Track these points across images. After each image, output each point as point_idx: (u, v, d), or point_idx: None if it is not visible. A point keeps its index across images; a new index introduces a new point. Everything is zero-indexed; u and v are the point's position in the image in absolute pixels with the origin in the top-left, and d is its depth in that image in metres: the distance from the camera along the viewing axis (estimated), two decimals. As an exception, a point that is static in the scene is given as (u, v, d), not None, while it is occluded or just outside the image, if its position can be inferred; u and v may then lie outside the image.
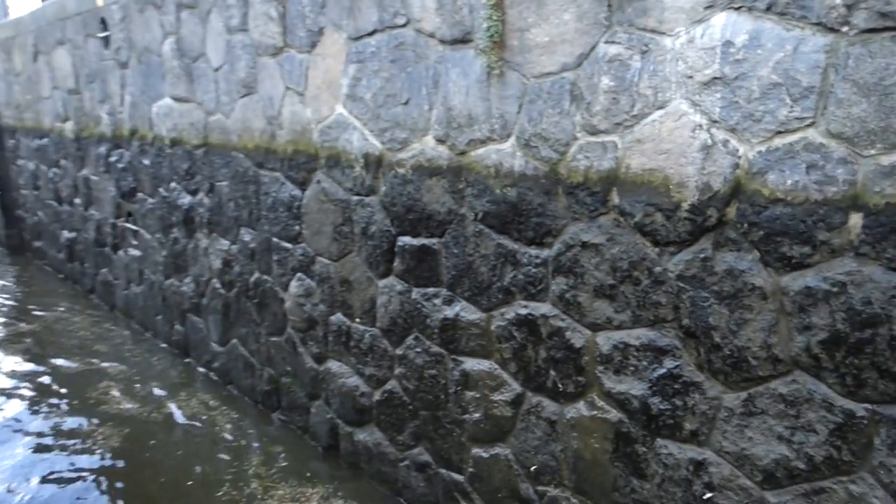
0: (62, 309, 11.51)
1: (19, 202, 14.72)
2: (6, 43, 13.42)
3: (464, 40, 4.28)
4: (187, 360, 8.75)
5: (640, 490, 3.76)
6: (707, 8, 3.10)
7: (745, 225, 3.08)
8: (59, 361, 9.30)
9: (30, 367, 9.26)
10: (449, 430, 5.01)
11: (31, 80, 12.39)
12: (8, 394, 8.38)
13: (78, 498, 6.11)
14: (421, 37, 4.59)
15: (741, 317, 3.16)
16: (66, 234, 12.30)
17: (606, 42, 3.52)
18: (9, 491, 6.17)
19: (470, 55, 4.25)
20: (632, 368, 3.71)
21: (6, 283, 13.65)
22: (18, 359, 9.63)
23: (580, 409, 4.03)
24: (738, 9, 3.00)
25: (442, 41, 4.43)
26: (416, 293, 5.03)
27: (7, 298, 12.66)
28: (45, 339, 10.32)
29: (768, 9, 2.90)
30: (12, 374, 9.11)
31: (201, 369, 8.41)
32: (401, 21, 4.72)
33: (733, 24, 3.01)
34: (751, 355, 3.16)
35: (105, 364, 9.09)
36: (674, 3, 3.21)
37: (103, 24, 9.12)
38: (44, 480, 6.36)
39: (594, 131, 3.64)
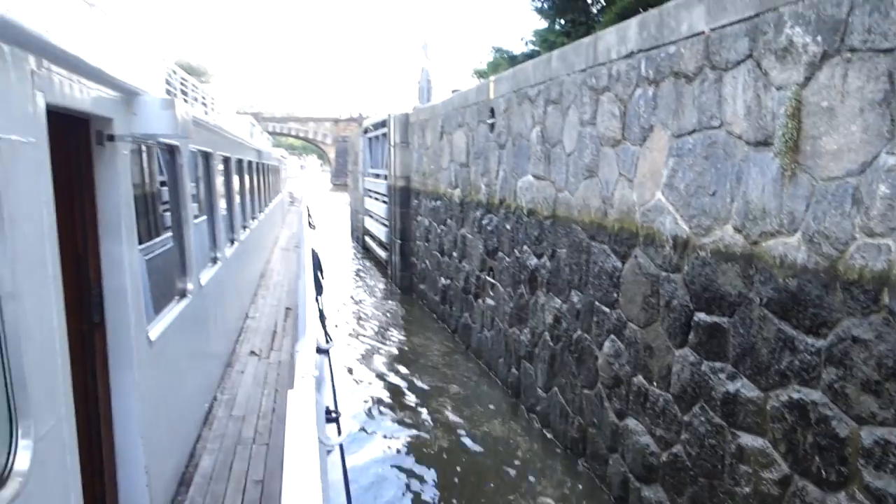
0: (428, 340, 13.89)
1: (414, 251, 17.99)
2: (423, 123, 16.78)
3: (765, 143, 4.79)
4: (515, 399, 10.05)
5: (891, 591, 3.76)
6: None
7: None
8: (415, 377, 11.55)
9: (392, 376, 11.73)
10: (721, 500, 5.32)
11: (436, 154, 15.33)
12: (368, 393, 10.82)
13: (411, 470, 8.13)
14: (730, 138, 5.19)
15: None
16: (442, 281, 14.80)
17: (887, 153, 3.80)
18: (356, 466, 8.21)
19: (769, 156, 4.74)
20: (891, 466, 3.78)
21: (393, 313, 16.84)
22: (384, 368, 12.18)
23: (841, 500, 4.15)
24: None
25: (747, 142, 4.99)
26: (705, 365, 5.50)
27: (390, 324, 15.69)
28: (409, 358, 12.73)
29: None
30: (379, 377, 11.63)
31: (525, 409, 9.62)
32: (715, 123, 5.37)
33: None
34: None
35: (448, 386, 10.97)
36: (951, 121, 3.42)
37: (491, 113, 11.17)
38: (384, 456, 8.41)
39: (870, 233, 3.90)
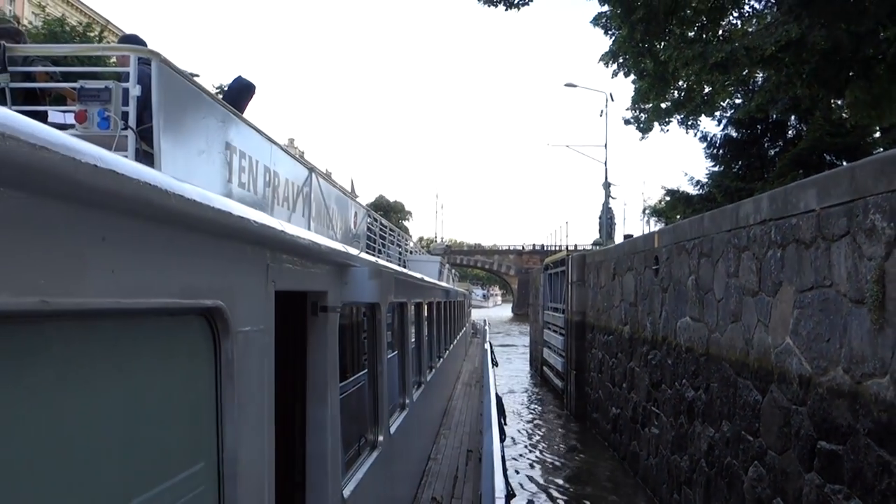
0: (598, 467, 14.87)
1: (588, 381, 19.19)
2: (597, 264, 18.46)
3: (861, 301, 5.99)
4: (677, 523, 10.84)
5: None
6: None
7: None
8: (584, 496, 12.62)
9: (560, 496, 12.85)
10: None
11: (608, 292, 16.83)
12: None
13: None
14: (838, 295, 6.40)
15: None
16: (613, 410, 15.86)
17: (939, 315, 4.96)
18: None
19: (864, 312, 5.93)
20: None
21: (566, 437, 17.94)
22: (553, 490, 13.33)
23: None
24: None
25: (850, 300, 6.19)
26: (827, 488, 6.44)
27: (562, 447, 16.82)
28: (577, 477, 13.80)
29: None
30: (547, 496, 12.82)
31: (686, 533, 10.39)
32: (827, 283, 6.61)
33: None
34: None
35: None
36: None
37: (655, 260, 12.66)
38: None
39: (933, 377, 4.99)
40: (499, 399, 10.72)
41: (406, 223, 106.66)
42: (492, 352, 17.78)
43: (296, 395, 3.49)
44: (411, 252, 16.26)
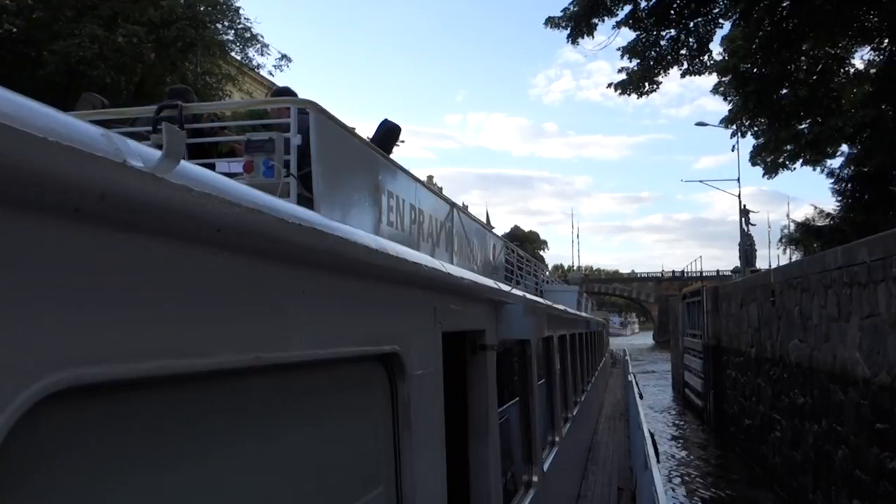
0: (735, 469, 17.56)
1: (724, 398, 21.80)
2: (728, 295, 21.18)
3: (895, 325, 8.93)
4: (795, 504, 13.58)
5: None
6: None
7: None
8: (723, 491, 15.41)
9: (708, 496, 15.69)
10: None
11: (738, 320, 19.56)
12: None
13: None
14: (883, 322, 9.35)
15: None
16: (746, 421, 18.50)
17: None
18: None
19: None
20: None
21: (707, 448, 20.63)
22: (701, 490, 16.16)
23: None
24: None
25: (889, 325, 9.14)
26: (881, 455, 9.32)
27: (704, 458, 19.54)
28: (720, 482, 16.57)
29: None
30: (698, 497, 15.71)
31: (801, 511, 13.15)
32: (876, 313, 9.55)
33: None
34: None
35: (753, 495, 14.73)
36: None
37: (772, 293, 15.50)
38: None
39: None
40: (652, 436, 10.07)
41: (542, 253, 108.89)
42: (636, 384, 17.10)
43: (455, 433, 3.29)
44: (547, 282, 15.96)
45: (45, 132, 0.91)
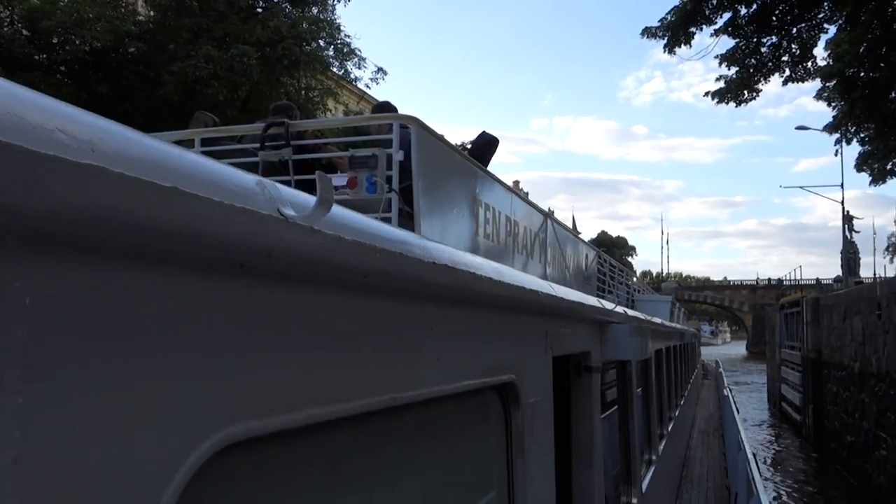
0: (834, 487, 17.05)
1: (824, 414, 21.13)
2: (829, 307, 20.54)
3: None
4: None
5: None
6: None
7: None
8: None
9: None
10: None
11: (840, 333, 18.95)
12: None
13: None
14: None
15: None
16: (848, 438, 17.92)
17: None
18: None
19: None
20: None
21: (806, 463, 20.07)
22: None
23: None
24: None
25: None
26: None
27: (799, 470, 19.00)
28: (798, 497, 16.15)
29: None
30: None
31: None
32: None
33: None
34: None
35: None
36: None
37: (878, 306, 15.02)
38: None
39: None
40: (755, 458, 9.62)
41: (629, 258, 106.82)
42: (733, 400, 15.97)
43: (558, 455, 3.21)
44: (638, 290, 15.54)
45: (207, 187, 0.91)
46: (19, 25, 19.73)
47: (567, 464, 3.73)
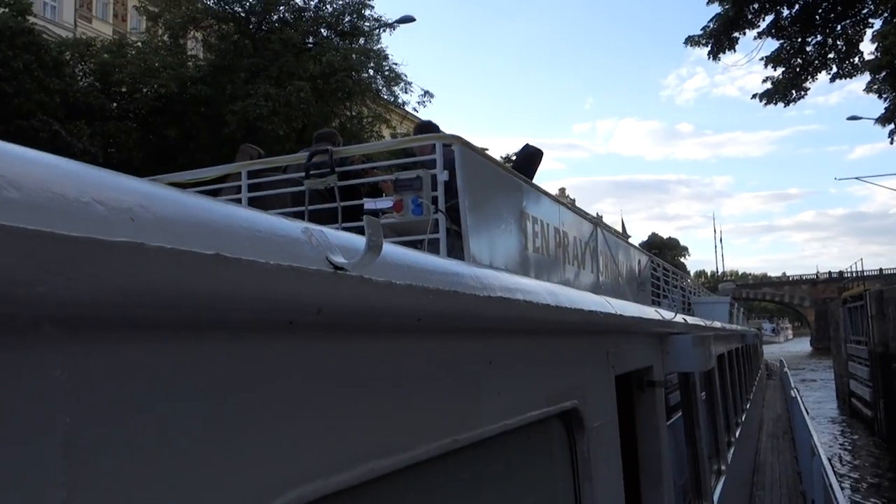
0: None
1: (897, 408, 20.81)
2: (894, 300, 20.32)
3: None
4: None
5: None
6: None
7: None
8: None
9: None
10: None
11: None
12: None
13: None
14: None
15: None
16: (923, 432, 17.69)
17: None
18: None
19: None
20: None
21: (880, 460, 19.80)
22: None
23: None
24: None
25: None
26: None
27: (873, 465, 18.78)
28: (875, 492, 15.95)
29: None
30: None
31: None
32: None
33: None
34: None
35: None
36: None
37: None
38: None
39: None
40: (830, 463, 9.09)
41: (682, 259, 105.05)
42: (802, 402, 15.04)
43: (626, 474, 3.12)
44: (694, 293, 15.04)
45: (252, 245, 0.88)
46: (92, 78, 21.05)
47: (635, 482, 3.62)
